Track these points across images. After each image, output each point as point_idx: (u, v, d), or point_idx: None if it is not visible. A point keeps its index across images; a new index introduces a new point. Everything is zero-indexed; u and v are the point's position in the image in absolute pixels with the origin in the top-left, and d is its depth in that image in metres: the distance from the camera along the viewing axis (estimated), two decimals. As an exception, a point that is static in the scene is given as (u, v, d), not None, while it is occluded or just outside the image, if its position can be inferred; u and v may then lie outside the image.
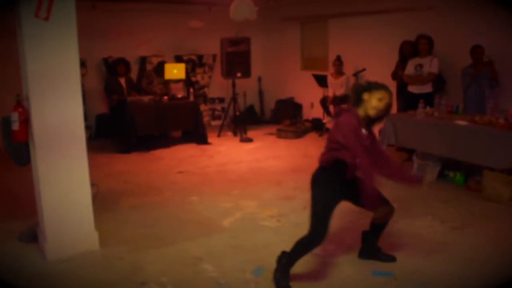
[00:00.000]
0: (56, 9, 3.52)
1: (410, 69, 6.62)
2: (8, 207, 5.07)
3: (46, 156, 3.69)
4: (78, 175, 3.85)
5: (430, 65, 6.45)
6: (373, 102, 3.17)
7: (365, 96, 3.20)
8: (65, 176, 3.78)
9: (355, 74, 7.90)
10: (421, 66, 6.52)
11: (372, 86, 3.22)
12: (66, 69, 3.66)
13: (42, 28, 3.51)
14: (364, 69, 7.83)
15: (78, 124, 3.79)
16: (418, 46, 6.56)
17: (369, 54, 7.93)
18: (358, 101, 3.23)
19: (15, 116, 3.62)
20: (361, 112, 3.22)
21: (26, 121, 3.67)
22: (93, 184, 4.07)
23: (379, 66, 7.50)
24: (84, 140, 3.84)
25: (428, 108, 5.94)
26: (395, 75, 7.28)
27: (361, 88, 3.25)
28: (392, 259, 3.70)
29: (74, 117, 3.76)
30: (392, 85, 7.19)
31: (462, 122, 5.28)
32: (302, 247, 3.28)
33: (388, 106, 3.23)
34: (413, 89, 6.66)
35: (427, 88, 6.54)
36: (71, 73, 3.69)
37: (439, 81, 6.65)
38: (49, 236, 3.80)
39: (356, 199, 3.39)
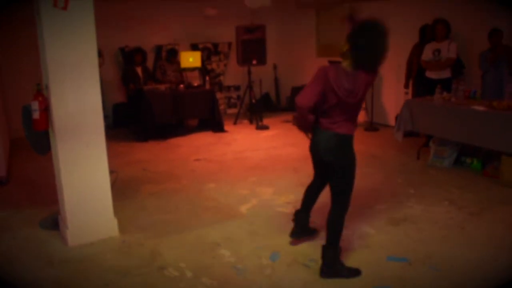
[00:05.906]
0: (74, -1, 3.57)
1: (427, 54, 6.54)
2: (29, 194, 5.19)
3: (66, 144, 3.75)
4: (98, 162, 3.91)
5: (448, 50, 6.35)
6: None
7: None
8: (85, 163, 3.85)
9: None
10: (439, 51, 6.43)
11: None
12: (84, 58, 3.70)
13: (60, 18, 3.55)
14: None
15: (97, 112, 3.84)
16: (434, 31, 6.46)
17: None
18: None
19: (35, 105, 3.66)
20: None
21: (46, 110, 3.71)
22: (112, 171, 4.13)
23: (397, 51, 7.41)
24: (103, 128, 3.89)
25: (445, 94, 5.89)
26: (410, 62, 7.24)
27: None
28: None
29: (93, 105, 3.81)
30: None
31: (480, 108, 5.22)
32: (340, 224, 3.28)
33: None
34: (431, 74, 6.58)
35: (446, 73, 6.47)
36: (89, 62, 3.73)
37: (457, 65, 6.56)
38: (70, 222, 3.88)
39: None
